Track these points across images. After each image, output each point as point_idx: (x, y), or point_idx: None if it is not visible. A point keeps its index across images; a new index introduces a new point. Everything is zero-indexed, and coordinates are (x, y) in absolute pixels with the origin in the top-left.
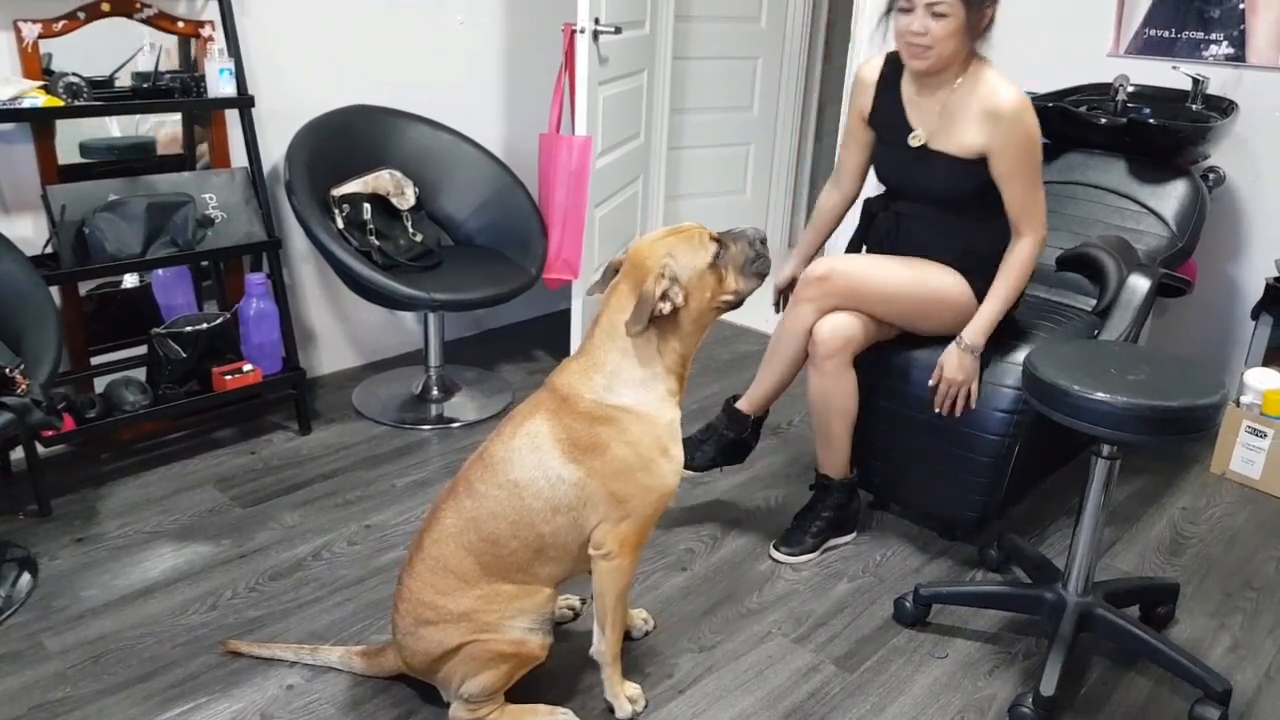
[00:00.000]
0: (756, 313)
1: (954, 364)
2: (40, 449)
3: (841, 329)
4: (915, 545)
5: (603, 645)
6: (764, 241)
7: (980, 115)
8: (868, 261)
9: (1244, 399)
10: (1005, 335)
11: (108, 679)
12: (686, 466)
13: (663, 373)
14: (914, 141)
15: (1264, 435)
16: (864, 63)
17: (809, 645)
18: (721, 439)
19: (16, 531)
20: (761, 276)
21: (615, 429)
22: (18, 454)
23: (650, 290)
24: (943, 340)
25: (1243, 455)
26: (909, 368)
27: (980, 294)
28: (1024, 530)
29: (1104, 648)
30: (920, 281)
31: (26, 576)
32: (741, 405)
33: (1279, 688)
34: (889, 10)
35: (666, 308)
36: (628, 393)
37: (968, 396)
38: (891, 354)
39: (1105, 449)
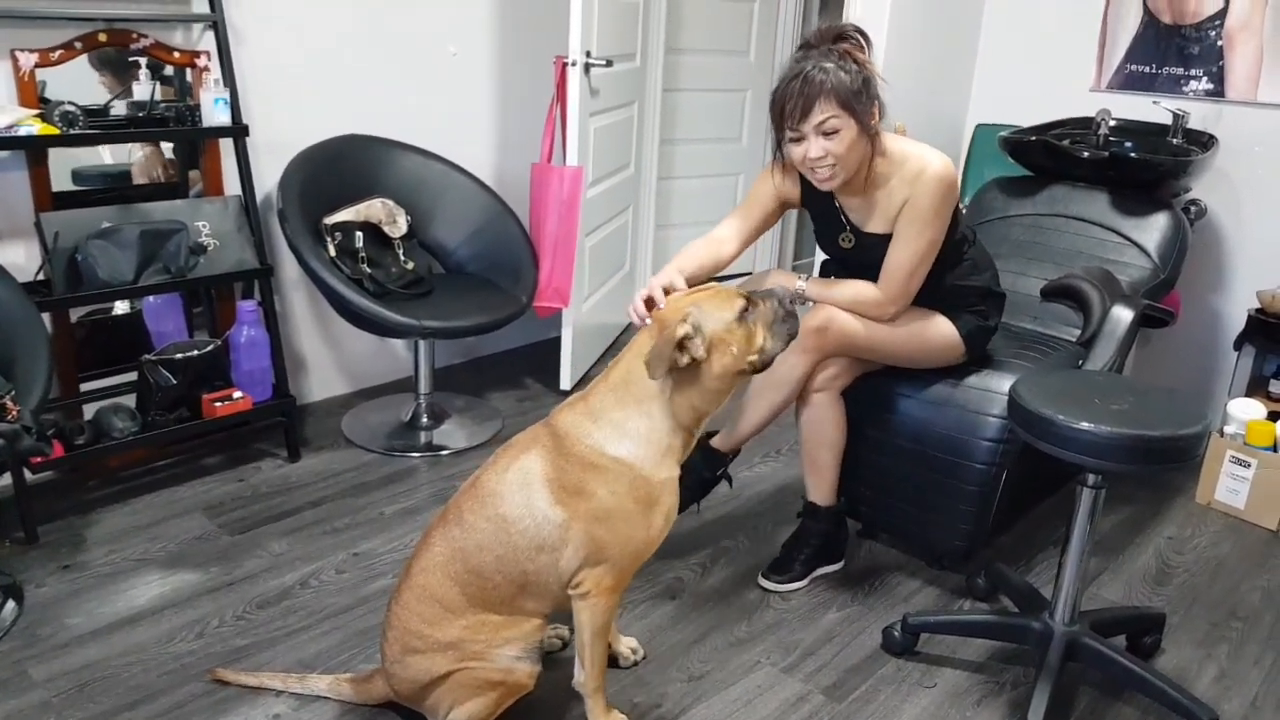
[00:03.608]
0: None
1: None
2: (28, 475)
3: (831, 364)
4: (903, 574)
5: (583, 677)
6: (795, 301)
7: (908, 180)
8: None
9: (1228, 429)
10: (989, 364)
11: (93, 708)
12: None
13: (670, 429)
14: (844, 243)
15: (1248, 465)
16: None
17: (798, 674)
18: (701, 480)
19: (3, 559)
20: (790, 337)
21: (604, 479)
22: (5, 480)
23: (670, 335)
24: (928, 370)
25: (1227, 485)
26: (896, 397)
27: (966, 329)
28: (1011, 559)
29: (1091, 677)
30: (908, 327)
31: (12, 604)
32: (718, 444)
33: (1265, 718)
34: (779, 146)
35: (684, 359)
36: (626, 445)
37: None
38: (878, 383)
39: (1091, 478)
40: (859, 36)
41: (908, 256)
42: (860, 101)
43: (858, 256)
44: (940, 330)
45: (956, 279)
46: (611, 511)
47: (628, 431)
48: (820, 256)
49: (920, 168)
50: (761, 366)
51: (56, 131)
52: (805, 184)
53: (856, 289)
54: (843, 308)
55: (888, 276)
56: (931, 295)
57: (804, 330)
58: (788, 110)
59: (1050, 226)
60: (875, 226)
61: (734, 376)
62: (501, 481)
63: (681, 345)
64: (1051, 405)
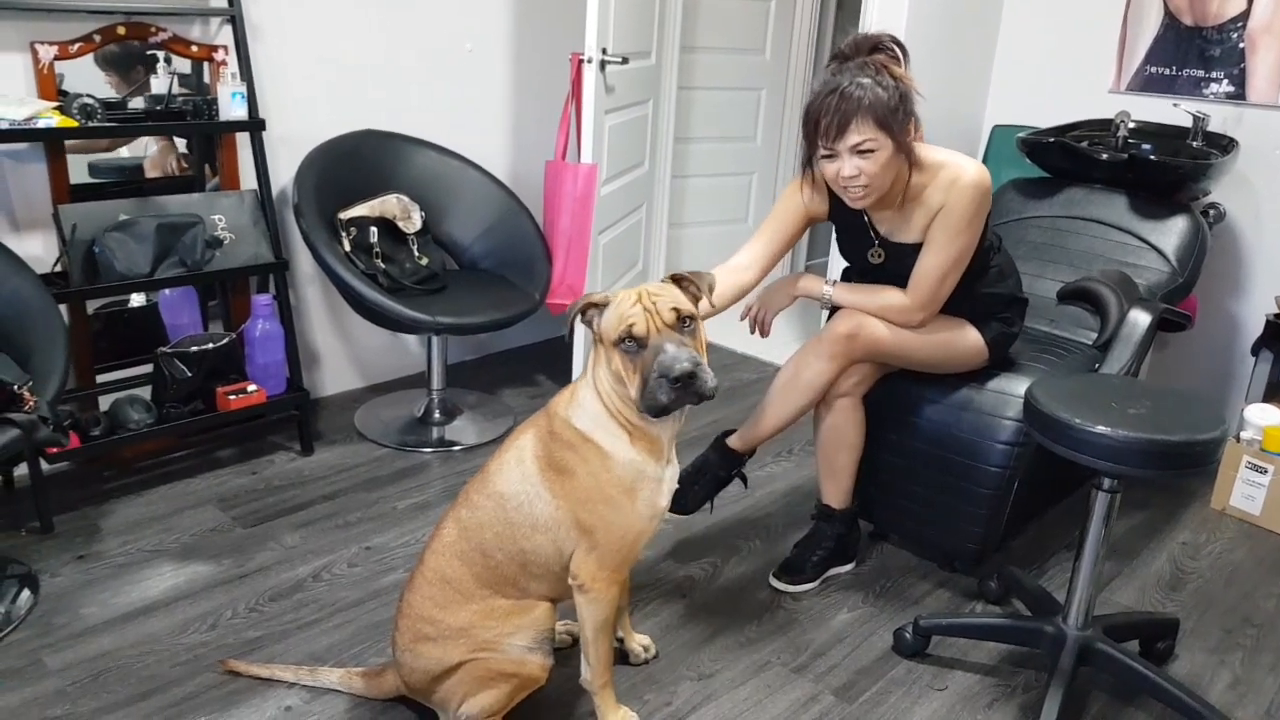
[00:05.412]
0: (756, 339)
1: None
2: (44, 466)
3: (856, 370)
4: (915, 576)
5: (589, 674)
6: (686, 378)
7: (942, 187)
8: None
9: (1244, 435)
10: (1004, 367)
11: (107, 697)
12: (678, 511)
13: (606, 409)
14: (874, 259)
15: (1264, 471)
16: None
17: (808, 675)
18: (716, 479)
19: (18, 548)
20: (657, 410)
21: (579, 456)
22: (21, 470)
23: (595, 295)
24: (947, 374)
25: (1243, 491)
26: (913, 399)
27: (991, 335)
28: (1024, 563)
29: (1103, 682)
30: (936, 335)
31: (27, 593)
32: (735, 444)
33: None
34: (809, 162)
35: (590, 320)
36: (587, 420)
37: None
38: (895, 386)
39: (1106, 482)
40: (895, 47)
41: (939, 263)
42: (896, 119)
43: (887, 268)
44: (967, 337)
45: (984, 287)
46: (591, 494)
47: (581, 401)
48: (835, 259)
49: (955, 175)
50: (640, 409)
51: (75, 124)
52: (834, 197)
53: (885, 296)
54: (870, 314)
55: (917, 283)
56: (959, 303)
57: (832, 336)
58: (822, 127)
59: (1068, 229)
60: (907, 236)
61: (623, 389)
62: (501, 460)
63: (597, 307)
64: (1068, 408)
